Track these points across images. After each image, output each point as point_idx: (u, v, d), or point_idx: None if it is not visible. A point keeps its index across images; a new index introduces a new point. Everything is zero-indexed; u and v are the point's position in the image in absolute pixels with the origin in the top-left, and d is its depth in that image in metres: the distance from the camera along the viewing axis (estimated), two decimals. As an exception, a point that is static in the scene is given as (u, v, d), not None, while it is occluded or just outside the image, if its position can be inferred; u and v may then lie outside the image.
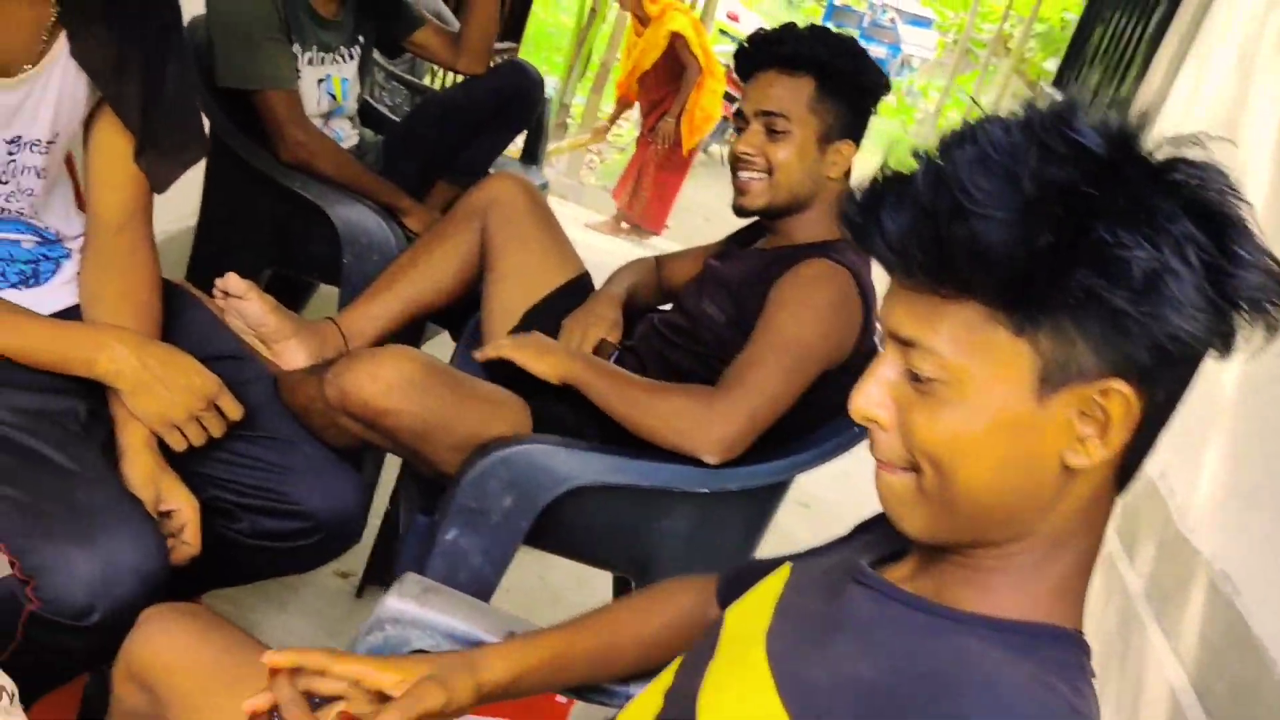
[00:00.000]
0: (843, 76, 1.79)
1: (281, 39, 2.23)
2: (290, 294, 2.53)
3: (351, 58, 2.44)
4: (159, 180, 1.58)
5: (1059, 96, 0.78)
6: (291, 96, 2.24)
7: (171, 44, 1.55)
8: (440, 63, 2.55)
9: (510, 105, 2.51)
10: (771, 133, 1.80)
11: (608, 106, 7.82)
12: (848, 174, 1.88)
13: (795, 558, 0.98)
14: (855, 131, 1.86)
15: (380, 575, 2.23)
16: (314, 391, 1.64)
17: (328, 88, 2.39)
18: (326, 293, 2.98)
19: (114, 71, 1.49)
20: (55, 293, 1.57)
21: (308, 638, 2.08)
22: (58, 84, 1.46)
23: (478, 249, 2.06)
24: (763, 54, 1.83)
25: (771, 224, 1.90)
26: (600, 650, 1.12)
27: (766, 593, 0.92)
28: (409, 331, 2.07)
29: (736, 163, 1.85)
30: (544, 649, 1.09)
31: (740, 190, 1.86)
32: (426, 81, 4.03)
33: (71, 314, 1.55)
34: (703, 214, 8.47)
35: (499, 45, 5.22)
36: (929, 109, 18.08)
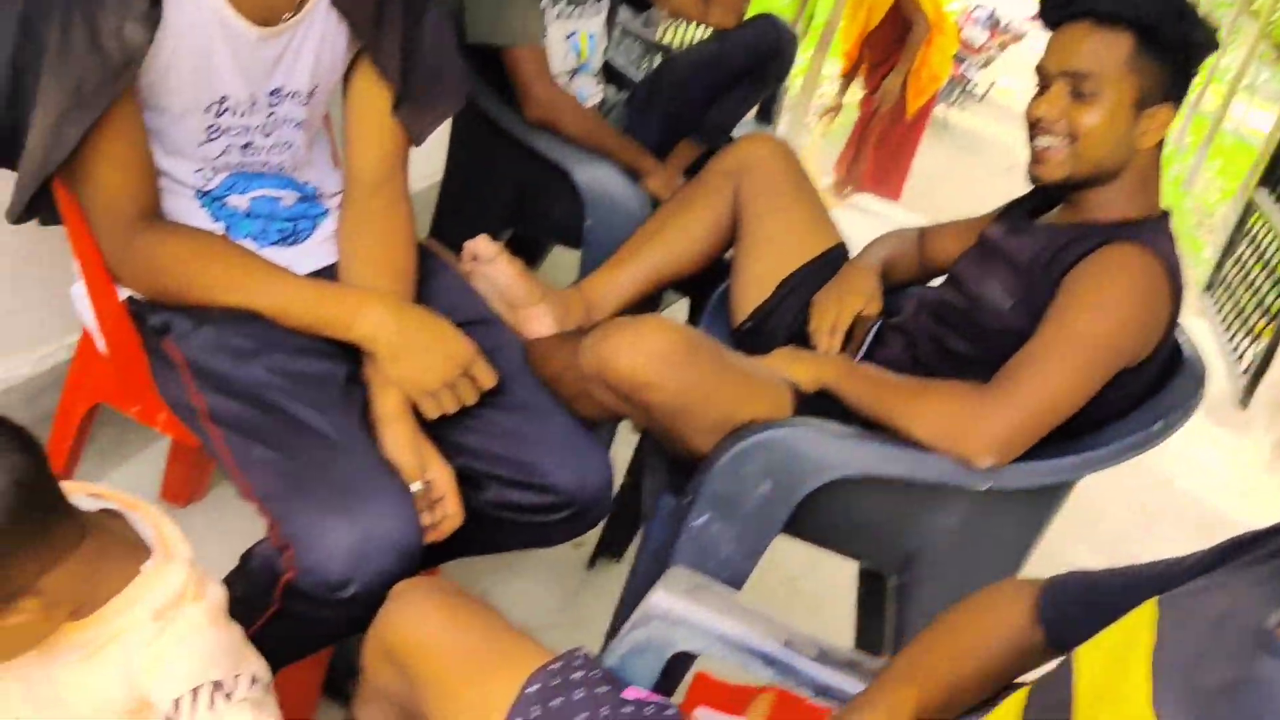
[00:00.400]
0: (1168, 33, 1.58)
1: (530, -8, 2.16)
2: (525, 256, 2.49)
3: (599, 12, 2.36)
4: (417, 132, 1.54)
5: None
6: (538, 53, 2.18)
7: None
8: (691, 16, 2.44)
9: (764, 62, 2.39)
10: (1078, 95, 1.60)
11: (830, 68, 7.58)
12: (1161, 143, 1.67)
13: (1161, 591, 0.83)
14: (1175, 94, 1.63)
15: (613, 547, 2.17)
16: (568, 360, 1.57)
17: (574, 43, 2.32)
18: (557, 255, 2.94)
19: (373, 20, 1.44)
20: (314, 251, 1.55)
21: (540, 606, 2.04)
22: (319, 33, 1.42)
23: (730, 215, 1.95)
24: (1075, 3, 1.62)
25: (1070, 196, 1.70)
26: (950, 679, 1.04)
27: (1132, 640, 0.78)
28: (649, 301, 1.99)
29: (1034, 127, 1.66)
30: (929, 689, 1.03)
31: (1037, 158, 1.67)
32: (664, 39, 3.93)
33: (329, 273, 1.53)
34: (941, 182, 8.16)
35: None
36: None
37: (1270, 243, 4.63)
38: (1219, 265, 5.24)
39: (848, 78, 5.95)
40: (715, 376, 1.54)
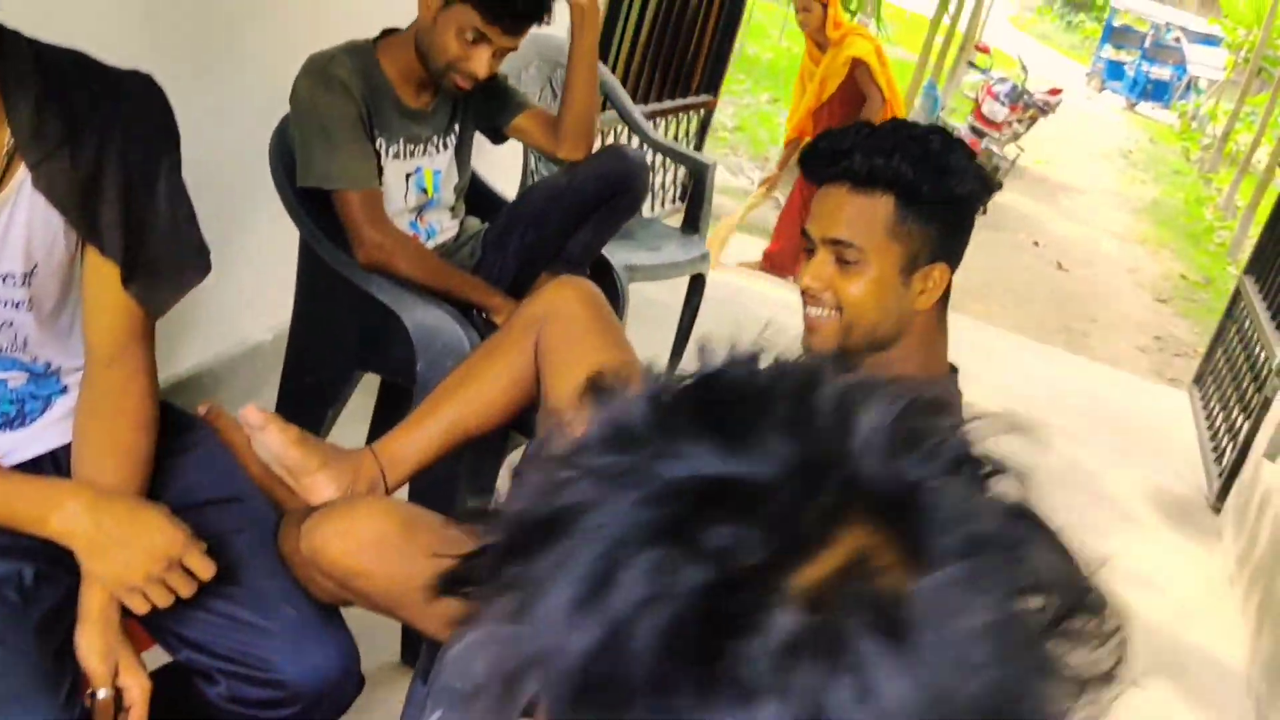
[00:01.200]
0: (931, 192, 1.49)
1: (361, 137, 2.13)
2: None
3: (445, 148, 2.33)
4: (154, 306, 1.50)
5: None
6: (368, 196, 2.14)
7: (161, 162, 1.47)
8: (542, 150, 2.40)
9: (614, 193, 2.33)
10: (842, 262, 1.53)
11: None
12: (944, 298, 1.59)
13: None
14: (949, 251, 1.55)
15: None
16: (295, 542, 1.51)
17: (418, 181, 2.28)
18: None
19: (83, 199, 1.40)
20: (44, 432, 1.51)
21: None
22: (25, 214, 1.38)
23: (532, 366, 1.88)
24: (828, 167, 1.55)
25: (853, 360, 1.63)
26: None
27: None
28: (455, 458, 1.92)
29: (803, 295, 1.59)
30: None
31: (809, 327, 1.60)
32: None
33: (64, 454, 1.48)
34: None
35: (694, 100, 5.07)
36: (1216, 133, 16.71)
37: (1254, 335, 4.43)
38: (1209, 354, 5.02)
39: (791, 145, 5.69)
40: (437, 563, 1.45)
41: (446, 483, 2.20)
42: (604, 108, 3.77)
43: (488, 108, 2.38)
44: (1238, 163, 13.73)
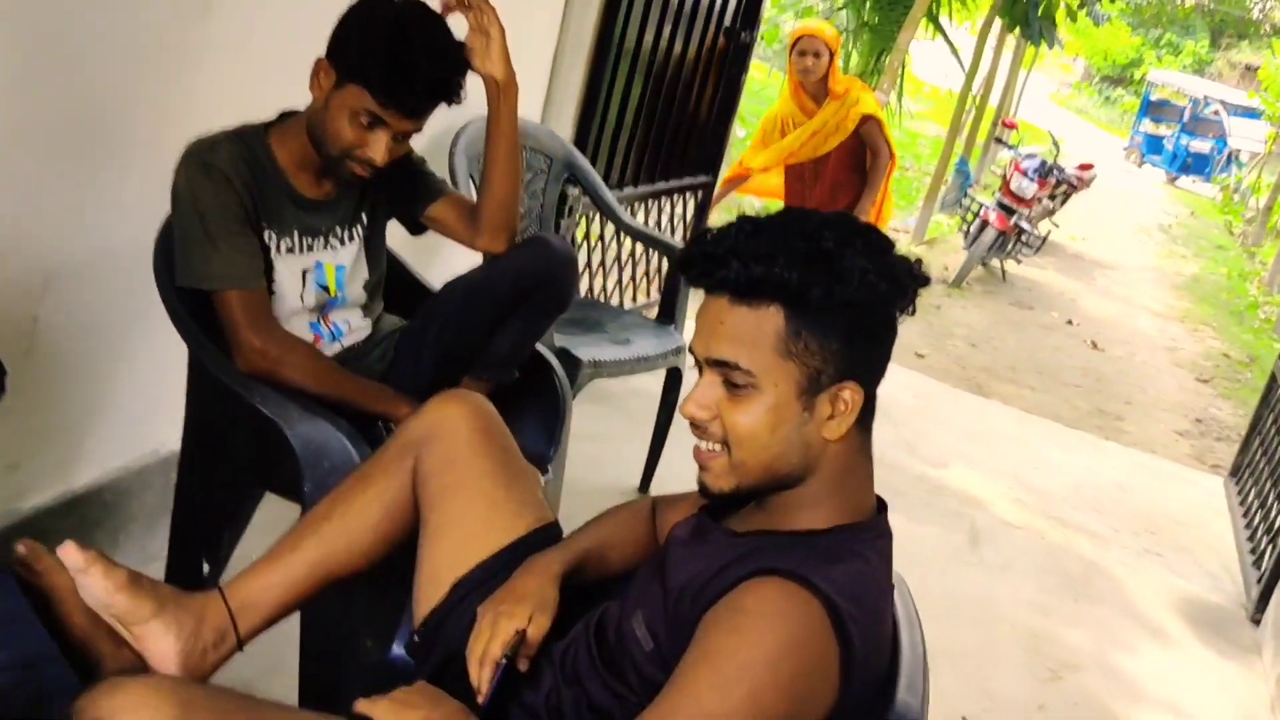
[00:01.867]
0: (823, 299, 1.22)
1: (242, 231, 1.89)
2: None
3: (351, 240, 2.09)
4: None
5: None
6: (250, 297, 1.90)
7: None
8: (460, 239, 2.16)
9: (535, 289, 2.08)
10: (730, 386, 1.26)
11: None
12: (864, 420, 1.30)
13: None
14: (861, 365, 1.27)
15: None
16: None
17: (317, 278, 2.04)
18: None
19: None
20: None
21: None
22: None
23: (409, 496, 1.62)
24: (705, 276, 1.27)
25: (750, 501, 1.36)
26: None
27: None
28: (347, 595, 1.65)
29: (692, 426, 1.32)
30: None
31: (701, 464, 1.33)
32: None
33: None
34: (989, 337, 7.68)
35: (690, 181, 4.84)
36: (1259, 206, 16.31)
37: (1292, 424, 4.09)
38: (1245, 444, 4.66)
39: (729, 183, 5.29)
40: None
41: (340, 624, 1.93)
42: (571, 188, 3.55)
43: (400, 194, 2.15)
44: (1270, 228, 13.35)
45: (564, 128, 3.74)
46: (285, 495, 2.08)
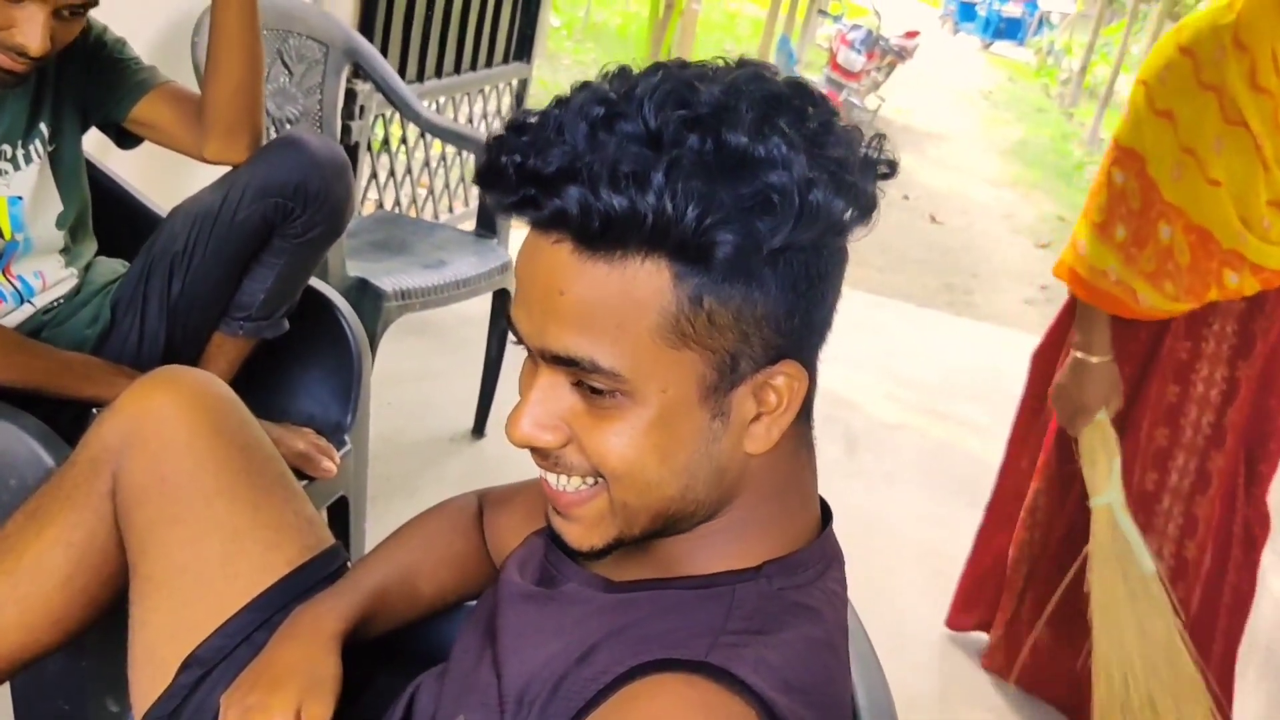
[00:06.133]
0: (745, 245, 0.71)
1: None
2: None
3: (28, 160, 1.50)
4: None
5: None
6: None
7: None
8: (183, 148, 1.59)
9: (291, 209, 1.53)
10: (589, 391, 0.76)
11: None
12: (806, 405, 0.82)
13: None
14: (800, 334, 0.77)
15: None
16: None
17: (-21, 218, 1.46)
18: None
19: None
20: None
21: None
22: None
23: (110, 532, 1.09)
24: (528, 203, 0.73)
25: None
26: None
27: None
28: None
29: (533, 454, 0.82)
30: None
31: (553, 506, 0.83)
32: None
33: None
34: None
35: (501, 69, 4.27)
36: (1074, 67, 16.46)
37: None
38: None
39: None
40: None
41: (65, 689, 1.41)
42: (358, 80, 2.97)
43: (93, 93, 1.56)
44: (1098, 95, 13.42)
45: (343, 10, 3.13)
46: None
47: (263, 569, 1.06)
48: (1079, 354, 2.00)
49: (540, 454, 0.79)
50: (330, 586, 1.07)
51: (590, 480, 0.78)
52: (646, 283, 0.71)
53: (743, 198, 0.69)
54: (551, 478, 0.80)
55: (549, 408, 0.77)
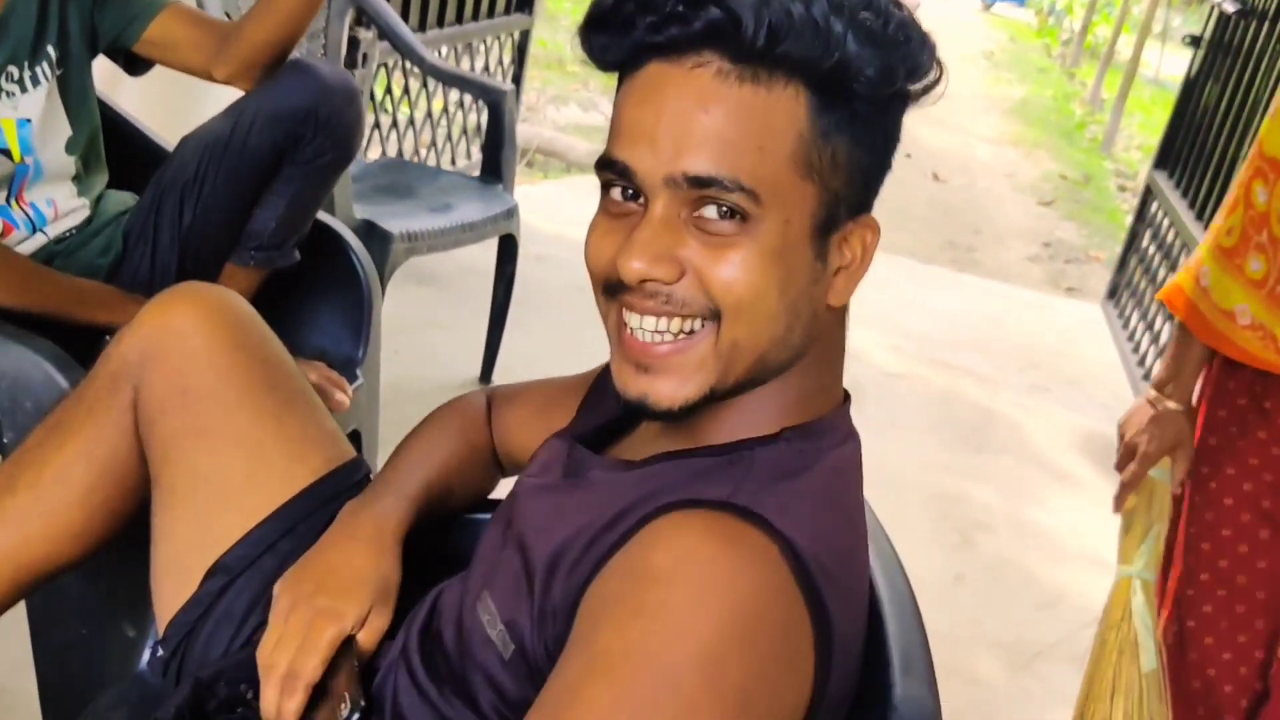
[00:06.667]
0: (881, 82, 0.78)
1: None
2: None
3: (36, 83, 1.49)
4: None
5: None
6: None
7: None
8: (193, 69, 1.58)
9: (301, 136, 1.53)
10: (709, 222, 0.78)
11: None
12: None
13: None
14: (872, 194, 0.85)
15: None
16: None
17: (-12, 142, 1.45)
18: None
19: None
20: None
21: None
22: None
23: (131, 445, 1.09)
24: (676, 15, 0.76)
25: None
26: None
27: None
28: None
29: (620, 296, 0.82)
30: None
31: (641, 362, 0.81)
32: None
33: None
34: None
35: (506, 20, 4.25)
36: (1074, 27, 16.36)
37: (1173, 237, 3.82)
38: (1122, 264, 4.40)
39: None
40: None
41: (83, 612, 1.42)
42: (360, 28, 2.95)
43: (103, 15, 1.55)
44: (1099, 55, 13.35)
45: (346, -45, 3.11)
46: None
47: (286, 479, 1.07)
48: (1155, 392, 1.56)
49: (645, 295, 0.79)
50: (374, 487, 1.07)
51: (697, 324, 0.79)
52: (787, 109, 0.76)
53: (886, 44, 0.77)
54: (650, 323, 0.79)
55: (664, 241, 0.78)
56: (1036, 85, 13.96)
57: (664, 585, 0.71)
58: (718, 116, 0.75)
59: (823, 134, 0.77)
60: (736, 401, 0.83)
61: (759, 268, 0.77)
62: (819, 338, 0.84)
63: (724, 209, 0.77)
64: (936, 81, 0.82)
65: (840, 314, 0.86)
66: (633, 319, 0.80)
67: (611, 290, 0.82)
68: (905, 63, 0.78)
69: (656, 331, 0.80)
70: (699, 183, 0.76)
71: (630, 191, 0.80)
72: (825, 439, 0.84)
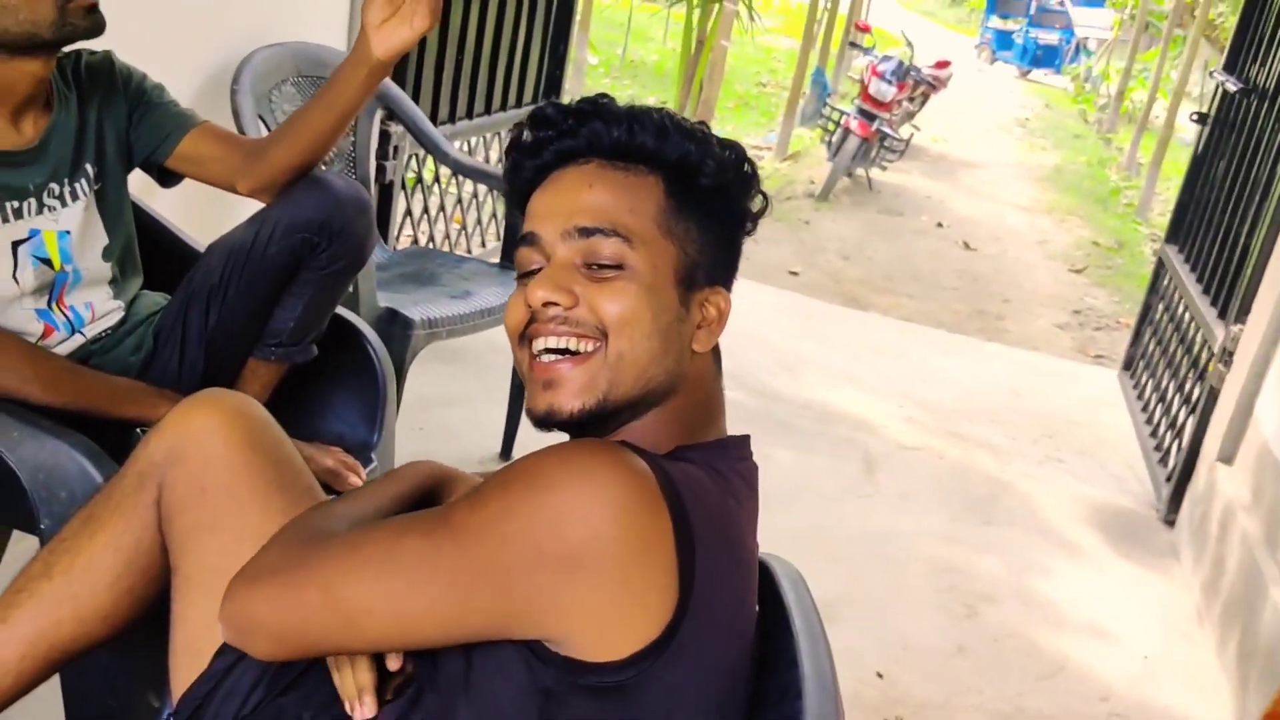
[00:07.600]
0: (715, 178, 1.09)
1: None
2: None
3: (75, 197, 1.65)
4: None
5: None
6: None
7: None
8: (220, 182, 1.73)
9: (317, 244, 1.67)
10: (595, 270, 1.04)
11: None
12: (716, 351, 1.13)
13: None
14: (725, 272, 1.13)
15: None
16: None
17: (34, 250, 1.60)
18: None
19: None
20: None
21: None
22: None
23: (154, 538, 1.22)
24: (567, 133, 1.09)
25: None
26: None
27: None
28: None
29: (527, 327, 1.06)
30: None
31: (546, 380, 1.04)
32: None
33: None
34: (840, 250, 7.44)
35: (530, 107, 4.42)
36: (1110, 92, 16.43)
37: (1185, 313, 3.88)
38: (1136, 336, 4.47)
39: None
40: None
41: (112, 683, 1.54)
42: (393, 125, 3.12)
43: (138, 134, 1.71)
44: (1136, 120, 13.40)
45: (375, 56, 3.29)
46: (15, 527, 1.66)
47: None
48: None
49: (548, 319, 1.03)
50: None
51: (589, 345, 1.02)
52: (649, 188, 1.06)
53: (712, 153, 1.08)
54: (554, 341, 1.02)
55: (563, 278, 1.03)
56: (1071, 151, 14.03)
57: (530, 467, 0.92)
58: (599, 190, 1.05)
59: (676, 210, 1.06)
60: (629, 426, 1.04)
61: (636, 294, 1.02)
62: (692, 377, 1.06)
63: (605, 262, 1.02)
64: (763, 199, 1.12)
65: (710, 362, 1.10)
66: (538, 343, 1.03)
67: (525, 339, 1.05)
68: (725, 173, 1.08)
69: (558, 350, 1.02)
70: (586, 232, 1.03)
71: (535, 265, 1.06)
72: (714, 451, 1.05)
